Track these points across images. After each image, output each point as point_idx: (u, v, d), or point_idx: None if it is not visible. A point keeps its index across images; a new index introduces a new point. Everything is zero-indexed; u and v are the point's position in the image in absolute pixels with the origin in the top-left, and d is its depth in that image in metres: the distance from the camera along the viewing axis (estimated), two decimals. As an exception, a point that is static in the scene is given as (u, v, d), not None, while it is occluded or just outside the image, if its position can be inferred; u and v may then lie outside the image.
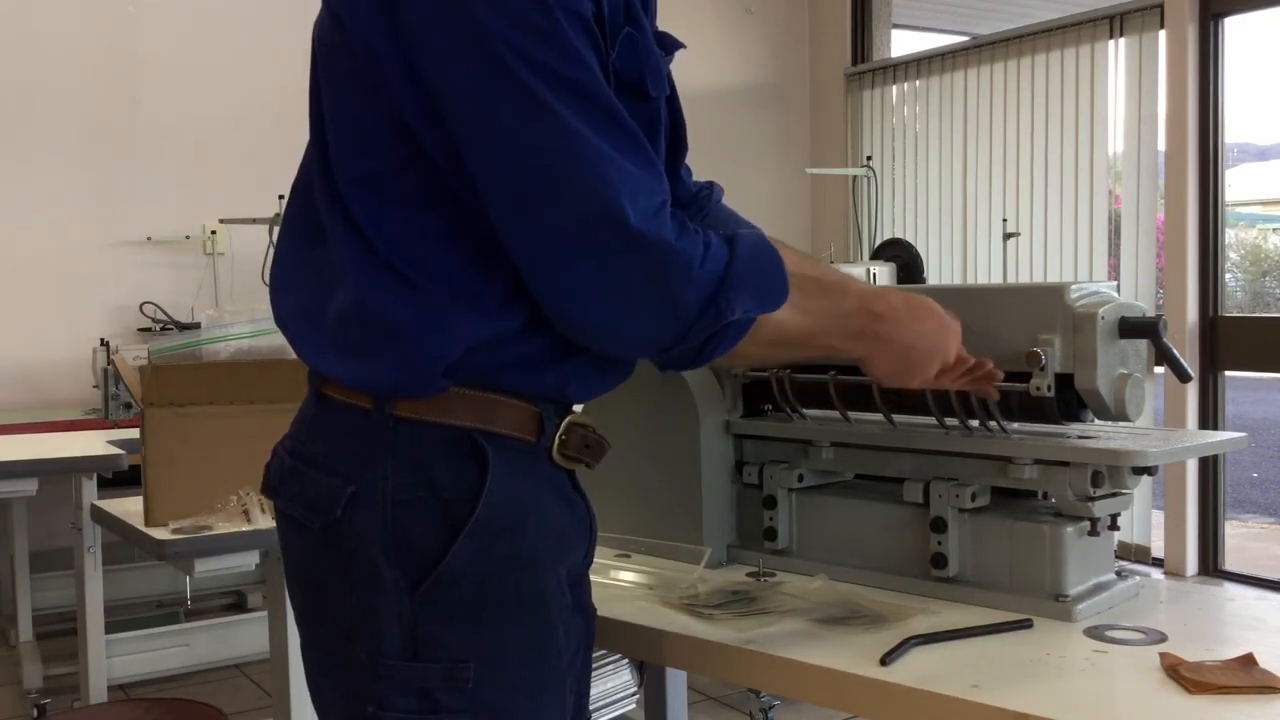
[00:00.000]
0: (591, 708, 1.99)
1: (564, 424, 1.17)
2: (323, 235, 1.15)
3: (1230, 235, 8.94)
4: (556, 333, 1.11)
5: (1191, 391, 4.95)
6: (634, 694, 2.07)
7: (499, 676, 1.09)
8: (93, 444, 3.23)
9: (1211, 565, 5.04)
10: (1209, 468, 4.99)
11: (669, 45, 1.24)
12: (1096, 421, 1.45)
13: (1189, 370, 1.40)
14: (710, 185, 1.43)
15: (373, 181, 1.10)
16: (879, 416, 1.52)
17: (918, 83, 6.25)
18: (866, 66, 6.54)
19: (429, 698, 1.08)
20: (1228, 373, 5.05)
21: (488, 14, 1.00)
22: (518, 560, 1.11)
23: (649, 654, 1.49)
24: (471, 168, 1.05)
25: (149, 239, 4.91)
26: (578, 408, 1.23)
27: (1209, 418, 5.00)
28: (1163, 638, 1.28)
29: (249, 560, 2.14)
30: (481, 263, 1.09)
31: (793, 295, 1.14)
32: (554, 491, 1.17)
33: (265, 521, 2.10)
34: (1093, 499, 1.36)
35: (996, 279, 5.56)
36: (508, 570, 1.10)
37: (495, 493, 1.09)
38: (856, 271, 5.01)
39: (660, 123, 1.17)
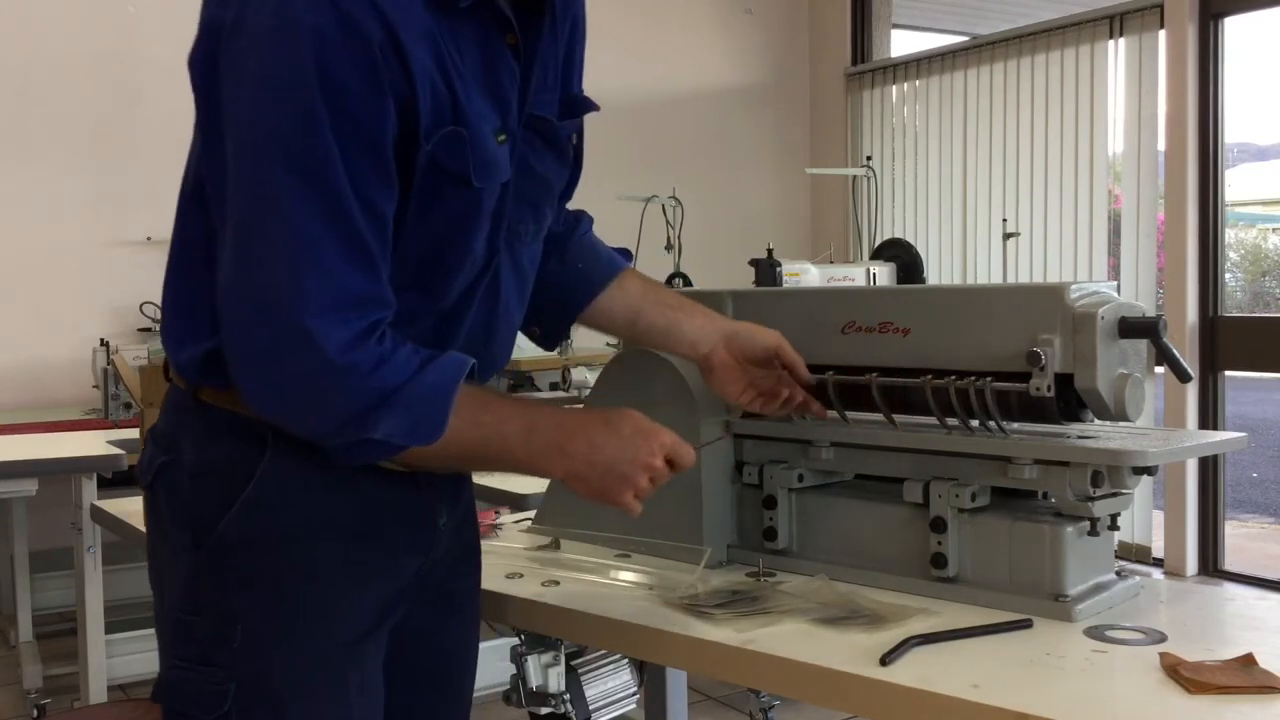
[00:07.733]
0: (591, 708, 1.99)
1: None
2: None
3: (1230, 235, 8.95)
4: None
5: (1191, 391, 4.95)
6: (634, 694, 2.07)
7: (263, 640, 1.19)
8: (93, 444, 3.22)
9: (1211, 565, 5.04)
10: (1209, 468, 4.99)
11: (580, 108, 1.38)
12: (1096, 421, 1.44)
13: (1189, 370, 1.40)
14: (579, 216, 1.53)
15: (195, 194, 1.22)
16: (879, 416, 1.52)
17: (918, 83, 6.25)
18: (866, 66, 6.54)
19: (202, 650, 1.19)
20: (1228, 373, 5.05)
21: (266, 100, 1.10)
22: (288, 536, 1.20)
23: (649, 654, 1.49)
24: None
25: (149, 239, 4.91)
26: None
27: (1209, 418, 5.00)
28: (1163, 638, 1.28)
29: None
30: None
31: (465, 409, 1.17)
32: (343, 483, 1.22)
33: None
34: (1093, 499, 1.36)
35: (996, 279, 5.55)
36: (279, 544, 1.20)
37: (270, 473, 1.19)
38: (856, 272, 4.99)
39: (483, 208, 1.23)
